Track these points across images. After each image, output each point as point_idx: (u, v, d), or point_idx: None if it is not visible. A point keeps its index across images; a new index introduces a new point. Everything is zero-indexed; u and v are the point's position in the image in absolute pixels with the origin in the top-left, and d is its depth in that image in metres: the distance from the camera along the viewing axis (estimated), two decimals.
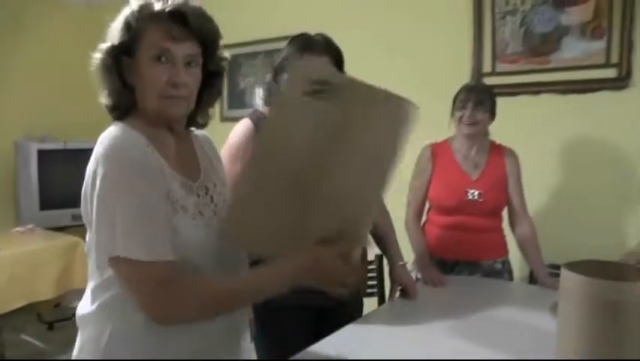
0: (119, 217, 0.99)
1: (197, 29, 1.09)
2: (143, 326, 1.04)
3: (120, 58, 1.09)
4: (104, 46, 1.10)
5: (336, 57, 1.72)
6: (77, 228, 3.91)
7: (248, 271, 1.10)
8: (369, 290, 2.32)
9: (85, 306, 1.12)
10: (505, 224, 2.30)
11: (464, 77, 2.86)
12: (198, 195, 1.13)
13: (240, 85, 3.95)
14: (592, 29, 2.55)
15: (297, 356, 1.37)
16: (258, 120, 1.72)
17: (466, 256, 2.23)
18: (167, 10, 1.07)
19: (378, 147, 1.05)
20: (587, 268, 1.22)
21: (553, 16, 2.65)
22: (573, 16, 2.60)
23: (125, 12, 1.10)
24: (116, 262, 1.00)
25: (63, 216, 4.05)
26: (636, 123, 2.50)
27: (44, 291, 3.16)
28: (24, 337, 3.62)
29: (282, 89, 1.07)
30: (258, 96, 3.81)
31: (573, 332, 1.21)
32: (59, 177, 4.10)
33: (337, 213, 1.06)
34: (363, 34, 3.22)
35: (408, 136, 1.07)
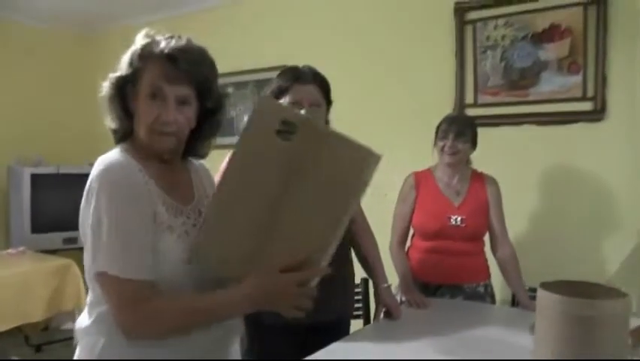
0: (103, 236, 1.08)
1: (189, 73, 1.15)
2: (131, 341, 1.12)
3: (125, 87, 1.18)
4: (113, 75, 1.20)
5: (323, 86, 1.82)
6: (69, 251, 3.95)
7: (213, 292, 1.14)
8: (355, 313, 2.37)
9: (83, 320, 1.20)
10: (487, 248, 2.37)
11: (448, 108, 2.97)
12: (188, 217, 1.21)
13: (230, 113, 4.02)
14: (568, 65, 2.67)
15: None
16: None
17: (448, 279, 2.29)
18: (165, 52, 1.14)
19: (334, 187, 1.09)
20: (561, 287, 1.30)
21: (531, 52, 2.77)
22: (550, 52, 2.72)
23: (132, 49, 1.20)
24: (99, 276, 1.09)
25: (54, 239, 4.10)
26: (611, 153, 2.60)
27: (35, 313, 3.19)
28: (13, 358, 3.61)
29: (251, 124, 1.13)
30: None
31: (548, 346, 1.28)
32: (52, 201, 4.16)
33: (296, 243, 1.11)
34: (348, 67, 3.33)
35: (369, 179, 1.11)
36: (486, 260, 2.37)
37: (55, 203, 4.16)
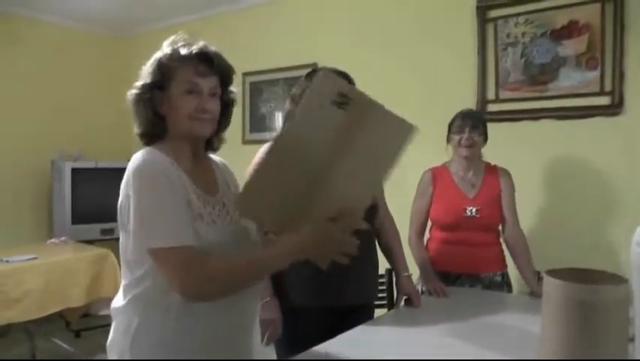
0: (149, 216, 1.21)
1: (218, 66, 1.34)
2: (162, 318, 1.25)
3: (153, 92, 1.32)
4: (139, 83, 1.34)
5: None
6: (106, 241, 4.15)
7: (263, 248, 1.29)
8: (378, 302, 2.48)
9: (118, 300, 1.35)
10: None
11: (470, 104, 3.04)
12: (214, 207, 1.35)
13: (261, 110, 4.15)
14: (586, 60, 2.73)
15: (306, 353, 1.55)
16: None
17: (466, 269, 2.38)
18: (194, 52, 1.32)
19: (377, 153, 1.27)
20: (567, 274, 1.36)
21: (550, 48, 2.84)
22: (569, 48, 2.78)
23: (157, 55, 1.34)
24: (153, 253, 1.22)
25: (93, 230, 4.32)
26: (628, 146, 2.66)
27: (76, 298, 3.37)
28: (55, 340, 3.81)
29: (312, 92, 1.27)
30: (278, 121, 4.00)
31: (553, 332, 1.34)
32: (90, 193, 4.37)
33: (340, 199, 1.26)
34: (373, 65, 3.44)
35: (404, 148, 1.28)
36: (502, 251, 2.45)
37: (93, 195, 4.37)
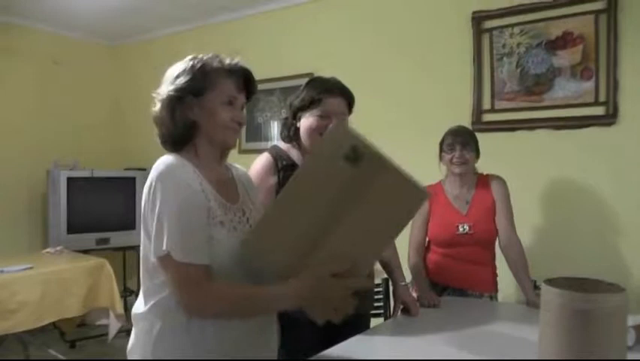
0: (166, 225, 1.22)
1: (252, 87, 1.44)
2: (185, 323, 1.27)
3: (186, 97, 1.34)
4: (172, 87, 1.35)
5: (349, 99, 1.93)
6: (101, 251, 4.14)
7: (267, 285, 1.29)
8: (375, 311, 2.48)
9: (139, 306, 1.36)
10: (500, 262, 2.42)
11: (466, 114, 3.09)
12: (235, 214, 1.37)
13: (258, 119, 4.17)
14: (581, 71, 2.76)
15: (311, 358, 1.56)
16: (276, 154, 1.93)
17: (454, 283, 2.39)
18: (239, 67, 1.40)
19: (385, 216, 1.23)
20: (565, 283, 1.38)
21: (545, 59, 2.87)
22: (564, 58, 2.81)
23: (193, 64, 1.36)
24: (162, 260, 1.24)
25: (88, 239, 4.29)
26: (622, 156, 2.68)
27: (72, 308, 3.35)
28: (50, 351, 3.79)
29: (324, 143, 1.28)
30: (275, 131, 4.02)
31: (551, 338, 1.36)
32: (86, 203, 4.36)
33: (343, 256, 1.24)
34: (368, 75, 3.46)
35: (414, 214, 1.29)
36: (495, 273, 2.45)
37: (89, 205, 4.37)
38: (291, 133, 1.94)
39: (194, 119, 1.35)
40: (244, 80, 1.41)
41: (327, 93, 1.87)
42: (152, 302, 1.31)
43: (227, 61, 1.39)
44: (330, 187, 1.22)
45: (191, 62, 1.37)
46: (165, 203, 1.23)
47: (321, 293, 1.24)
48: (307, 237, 1.25)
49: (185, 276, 1.22)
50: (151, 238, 1.26)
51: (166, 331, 1.29)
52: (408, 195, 1.22)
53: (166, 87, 1.37)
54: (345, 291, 1.25)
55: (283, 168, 1.90)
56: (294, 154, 1.94)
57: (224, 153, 1.43)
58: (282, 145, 2.00)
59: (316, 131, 1.85)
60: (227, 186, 1.42)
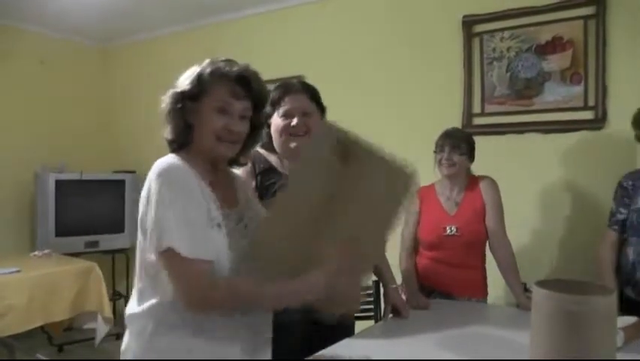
0: (166, 221, 1.22)
1: (254, 91, 1.37)
2: (179, 323, 1.27)
3: (185, 102, 1.35)
4: (174, 91, 1.37)
5: (313, 95, 1.95)
6: (90, 254, 4.11)
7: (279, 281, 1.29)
8: (364, 313, 2.48)
9: (132, 306, 1.35)
10: (491, 266, 2.40)
11: (456, 117, 3.10)
12: (232, 219, 1.36)
13: None
14: (570, 75, 2.78)
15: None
16: (254, 159, 1.93)
17: (440, 288, 2.38)
18: (234, 72, 1.34)
19: (379, 203, 1.26)
20: (556, 285, 1.38)
21: (535, 63, 2.89)
22: (553, 63, 2.84)
23: (197, 68, 1.37)
24: (165, 256, 1.22)
25: (77, 243, 4.26)
26: (611, 160, 2.69)
27: (60, 312, 3.33)
28: (37, 355, 3.75)
29: (312, 144, 1.29)
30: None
31: (541, 340, 1.36)
32: (75, 205, 4.32)
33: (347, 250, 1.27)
34: (358, 78, 3.46)
35: (406, 197, 1.28)
36: (484, 278, 2.44)
37: (78, 208, 4.34)
38: (265, 140, 1.94)
39: (192, 122, 1.36)
40: (242, 85, 1.35)
41: (287, 92, 1.89)
42: (146, 302, 1.31)
43: (224, 66, 1.36)
44: (324, 185, 1.24)
45: (194, 68, 1.38)
46: (167, 201, 1.23)
47: (330, 286, 1.25)
48: (310, 233, 1.27)
49: (191, 270, 1.21)
50: (148, 237, 1.26)
51: (159, 331, 1.28)
52: (397, 178, 1.25)
53: (173, 88, 1.38)
54: (356, 285, 1.27)
55: (261, 172, 1.93)
56: (273, 159, 1.96)
57: (216, 162, 1.40)
58: (263, 150, 2.00)
59: (283, 131, 1.86)
60: (226, 191, 1.42)
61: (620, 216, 2.25)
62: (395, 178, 1.25)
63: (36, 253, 3.82)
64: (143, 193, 1.29)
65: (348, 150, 1.22)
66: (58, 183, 4.26)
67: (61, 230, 4.24)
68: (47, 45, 4.70)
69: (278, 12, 3.95)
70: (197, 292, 1.22)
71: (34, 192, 4.41)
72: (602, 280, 2.20)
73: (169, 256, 1.21)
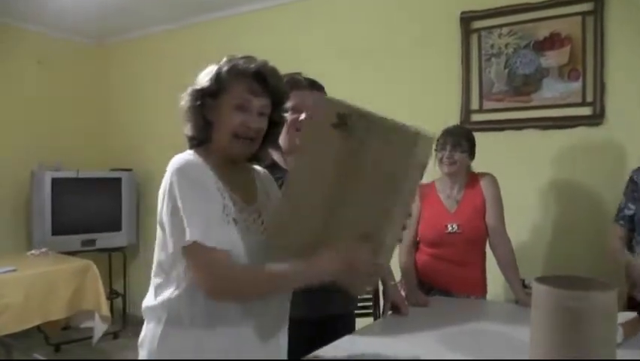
0: (189, 215, 1.23)
1: (272, 88, 1.37)
2: (192, 315, 1.29)
3: (205, 99, 1.35)
4: (193, 89, 1.37)
5: (319, 90, 1.94)
6: (87, 253, 4.09)
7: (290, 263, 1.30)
8: (364, 311, 2.48)
9: (149, 300, 1.37)
10: (492, 264, 2.40)
11: (455, 114, 3.09)
12: (250, 215, 1.37)
13: None
14: (569, 71, 2.78)
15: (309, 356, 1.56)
16: None
17: (439, 285, 2.38)
18: (252, 69, 1.35)
19: (391, 170, 1.21)
20: (556, 281, 1.38)
21: (533, 59, 2.88)
22: (551, 59, 2.83)
23: (215, 67, 1.37)
24: (188, 249, 1.23)
25: (73, 241, 4.24)
26: (609, 156, 2.70)
27: (57, 311, 3.32)
28: (34, 355, 3.74)
29: (311, 120, 1.27)
30: None
31: (541, 336, 1.36)
32: (71, 204, 4.30)
33: (358, 222, 1.25)
34: (357, 74, 3.46)
35: (425, 160, 1.27)
36: (484, 276, 2.44)
37: (74, 206, 4.32)
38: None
39: (211, 120, 1.37)
40: (260, 81, 1.35)
41: (294, 87, 1.87)
42: (161, 296, 1.33)
43: (242, 63, 1.36)
44: (330, 160, 1.23)
45: (213, 66, 1.38)
46: (185, 196, 1.24)
47: (350, 261, 1.25)
48: (324, 212, 1.27)
49: (212, 258, 1.22)
50: (167, 232, 1.28)
51: (174, 324, 1.30)
52: (402, 142, 1.19)
53: (192, 85, 1.38)
54: (370, 255, 1.25)
55: (264, 168, 1.91)
56: (276, 155, 1.94)
57: (234, 158, 1.40)
58: None
59: (290, 126, 1.85)
60: (245, 187, 1.42)
61: (628, 212, 2.25)
62: (402, 140, 1.19)
63: (33, 251, 3.81)
64: (163, 189, 1.31)
65: (349, 120, 1.21)
66: (55, 182, 4.25)
67: (58, 228, 4.23)
68: (45, 43, 4.68)
69: (271, 9, 3.95)
70: (218, 278, 1.24)
71: (31, 191, 4.39)
72: (619, 264, 2.22)
73: (193, 248, 1.22)
